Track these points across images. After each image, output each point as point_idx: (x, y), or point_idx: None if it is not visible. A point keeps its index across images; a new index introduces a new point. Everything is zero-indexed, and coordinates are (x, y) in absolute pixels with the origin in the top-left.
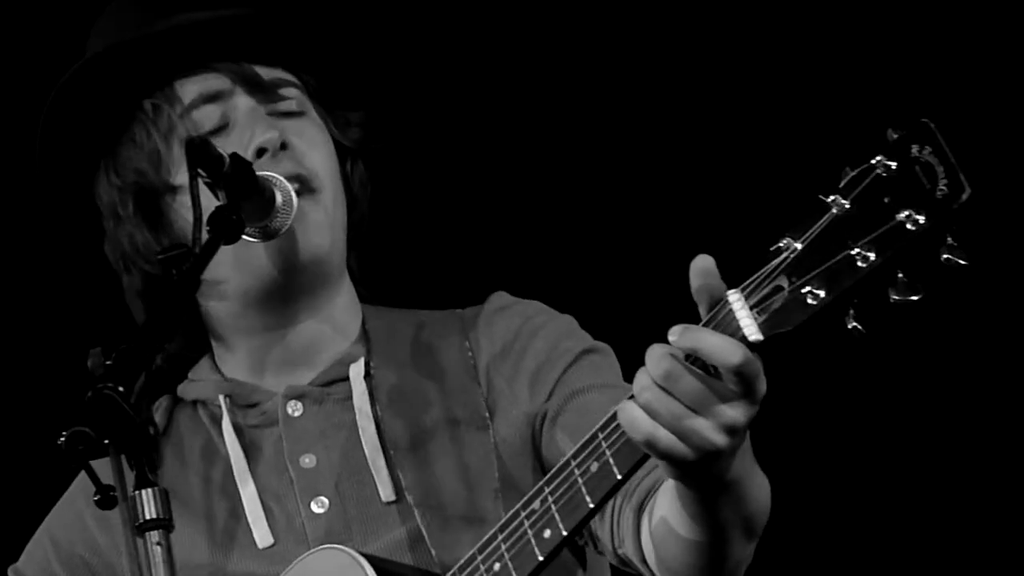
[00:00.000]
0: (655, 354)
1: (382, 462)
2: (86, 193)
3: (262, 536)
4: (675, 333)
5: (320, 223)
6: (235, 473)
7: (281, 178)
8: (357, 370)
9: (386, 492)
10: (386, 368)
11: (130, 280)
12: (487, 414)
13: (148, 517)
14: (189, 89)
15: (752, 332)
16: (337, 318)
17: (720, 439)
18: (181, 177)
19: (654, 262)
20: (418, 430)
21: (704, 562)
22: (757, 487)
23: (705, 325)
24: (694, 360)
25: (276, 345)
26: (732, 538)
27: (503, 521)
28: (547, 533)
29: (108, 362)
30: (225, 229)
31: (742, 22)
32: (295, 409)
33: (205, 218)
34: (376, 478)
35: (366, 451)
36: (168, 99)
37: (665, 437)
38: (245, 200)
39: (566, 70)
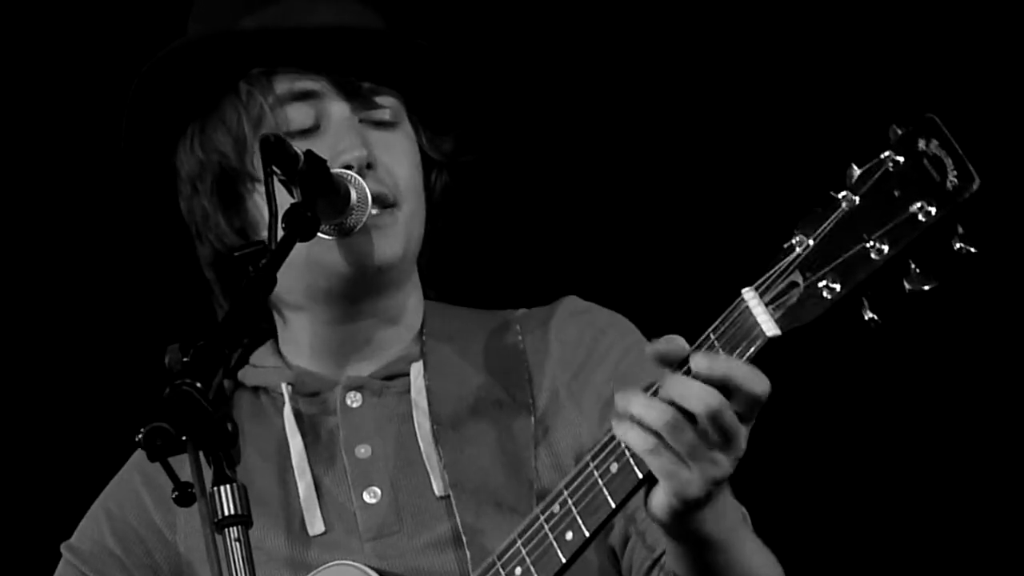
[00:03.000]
0: (657, 407)
1: (436, 457)
2: (167, 158)
3: (314, 523)
4: (701, 364)
5: (395, 236)
6: (293, 461)
7: (356, 175)
8: (418, 368)
9: (439, 486)
10: (443, 365)
11: (202, 249)
12: (531, 401)
13: (227, 513)
14: (284, 84)
15: (770, 328)
16: (402, 317)
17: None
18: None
19: (668, 263)
20: (466, 425)
21: None
22: (750, 553)
23: (721, 323)
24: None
25: (339, 337)
26: None
27: (522, 527)
28: (569, 535)
29: (186, 359)
30: (300, 226)
31: (752, 23)
32: (354, 400)
33: (280, 215)
34: (430, 472)
35: (421, 445)
36: (262, 89)
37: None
38: (320, 197)
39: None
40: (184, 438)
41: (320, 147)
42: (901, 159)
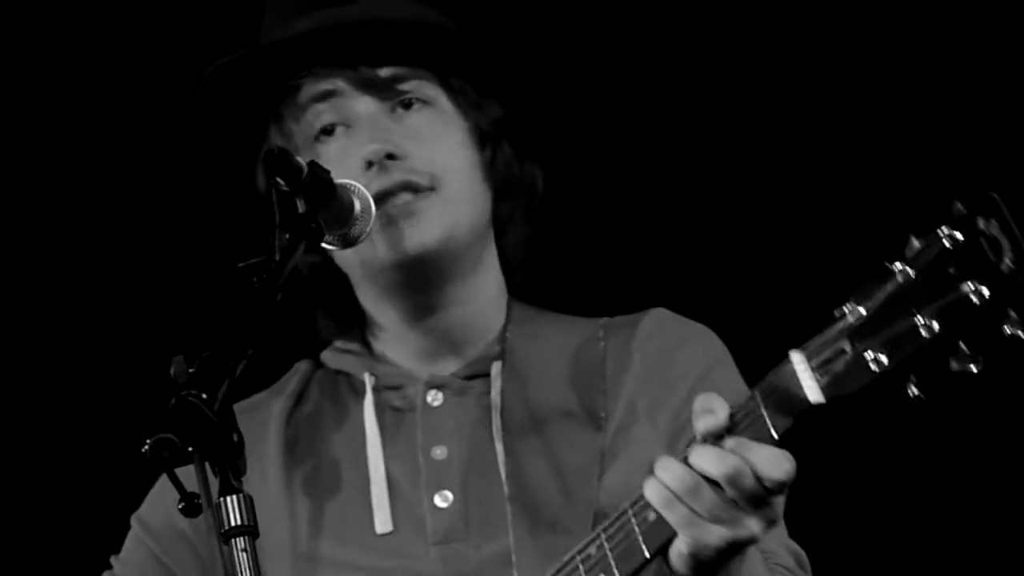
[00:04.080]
0: (676, 471)
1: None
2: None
3: (383, 521)
4: (700, 462)
5: (431, 220)
6: (368, 454)
7: (360, 185)
8: (497, 368)
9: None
10: (520, 366)
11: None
12: (603, 415)
13: (233, 524)
14: (307, 90)
15: (814, 394)
16: (480, 311)
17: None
18: None
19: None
20: (534, 434)
21: None
22: None
23: (767, 383)
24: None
25: (418, 333)
26: None
27: (557, 566)
28: None
29: (191, 369)
30: (303, 237)
31: (817, 94)
32: (435, 399)
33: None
34: (504, 481)
35: (498, 451)
36: (289, 102)
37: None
38: (324, 208)
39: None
40: (190, 449)
41: (352, 146)
42: (959, 236)
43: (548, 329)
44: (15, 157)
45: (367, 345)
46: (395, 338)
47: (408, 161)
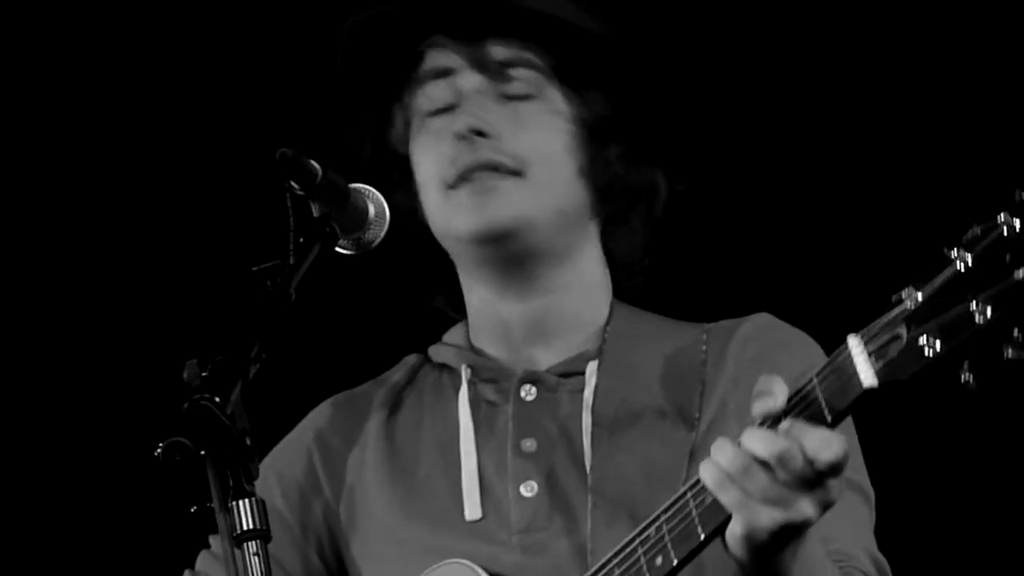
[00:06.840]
0: (728, 452)
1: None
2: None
3: (472, 509)
4: (752, 444)
5: (510, 198)
6: (461, 444)
7: (374, 190)
8: (593, 367)
9: None
10: (617, 365)
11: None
12: (697, 415)
13: (246, 528)
14: (428, 63)
15: (868, 378)
16: (573, 302)
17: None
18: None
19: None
20: (624, 430)
21: None
22: None
23: (825, 367)
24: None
25: (508, 313)
26: None
27: (619, 547)
28: (659, 560)
29: (204, 373)
30: (317, 241)
31: (883, 84)
32: (528, 393)
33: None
34: (589, 476)
35: (585, 445)
36: (414, 73)
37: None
38: (338, 212)
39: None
40: (203, 453)
41: (452, 123)
42: (1017, 223)
43: (649, 332)
44: (30, 162)
45: (467, 339)
46: (488, 323)
47: (498, 142)
